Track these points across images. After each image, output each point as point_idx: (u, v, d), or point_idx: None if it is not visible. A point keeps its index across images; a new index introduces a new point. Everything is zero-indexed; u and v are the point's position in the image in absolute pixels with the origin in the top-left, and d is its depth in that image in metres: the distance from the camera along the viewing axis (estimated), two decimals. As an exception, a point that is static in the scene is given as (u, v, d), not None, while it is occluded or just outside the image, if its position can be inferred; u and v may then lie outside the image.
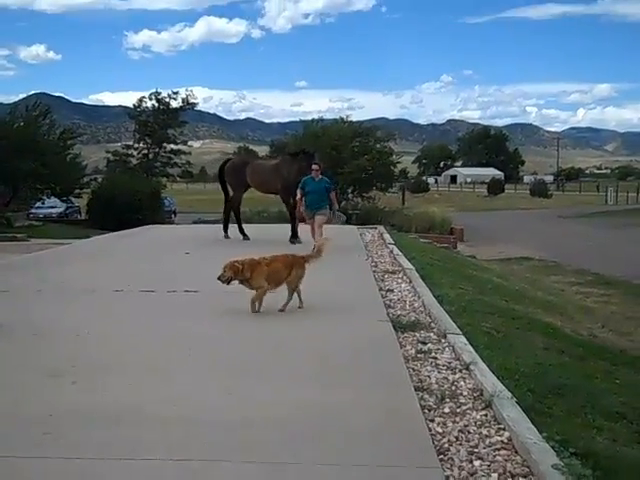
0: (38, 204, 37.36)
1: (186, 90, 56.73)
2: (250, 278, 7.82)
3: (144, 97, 55.71)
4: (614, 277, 18.35)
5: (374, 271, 11.25)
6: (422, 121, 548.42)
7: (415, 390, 5.26)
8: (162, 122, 54.95)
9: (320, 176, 13.93)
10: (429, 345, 6.66)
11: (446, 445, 4.31)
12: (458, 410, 4.91)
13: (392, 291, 9.51)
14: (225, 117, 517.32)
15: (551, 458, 3.98)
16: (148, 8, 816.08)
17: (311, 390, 5.22)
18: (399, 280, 10.37)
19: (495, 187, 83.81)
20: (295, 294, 8.19)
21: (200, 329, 7.30)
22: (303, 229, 14.87)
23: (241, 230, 16.53)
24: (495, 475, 3.93)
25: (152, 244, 16.11)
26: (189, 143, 61.38)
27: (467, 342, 6.63)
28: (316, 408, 4.84)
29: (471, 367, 5.80)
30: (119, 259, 13.32)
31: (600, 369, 7.90)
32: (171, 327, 7.35)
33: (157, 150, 55.42)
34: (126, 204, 30.87)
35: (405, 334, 7.03)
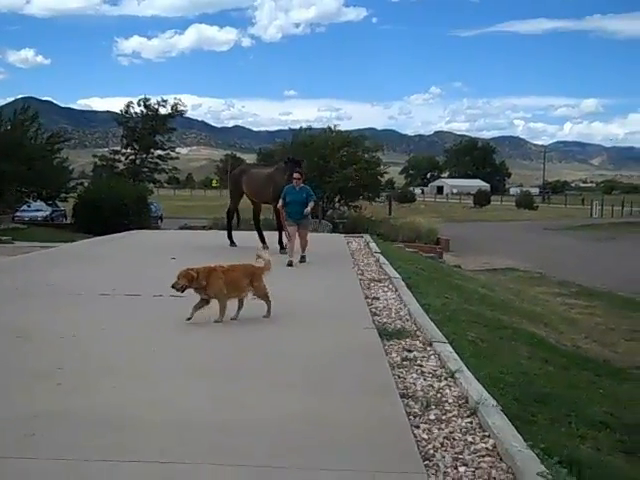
0: (24, 207, 37.15)
1: (175, 98, 56.91)
2: (206, 286, 7.61)
3: (131, 102, 55.78)
4: (598, 289, 18.52)
5: (360, 279, 11.25)
6: (410, 132, 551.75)
7: (401, 397, 5.27)
8: (150, 128, 54.95)
9: (301, 185, 13.49)
10: (415, 353, 6.67)
11: (431, 451, 4.32)
12: (443, 417, 4.92)
13: (378, 299, 9.52)
14: (213, 124, 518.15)
15: (536, 466, 3.99)
16: (139, 14, 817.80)
17: (296, 396, 5.21)
18: (385, 288, 10.39)
19: (481, 198, 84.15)
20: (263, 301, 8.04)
21: (186, 334, 7.28)
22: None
23: (229, 236, 16.47)
24: (480, 481, 3.94)
25: (138, 249, 16.04)
26: (177, 150, 61.30)
27: (452, 350, 6.65)
28: (301, 414, 4.83)
29: (456, 375, 5.81)
30: (105, 263, 13.25)
31: (584, 379, 7.96)
32: (157, 332, 7.33)
33: (144, 156, 55.38)
34: (112, 209, 30.69)
35: (391, 342, 7.03)
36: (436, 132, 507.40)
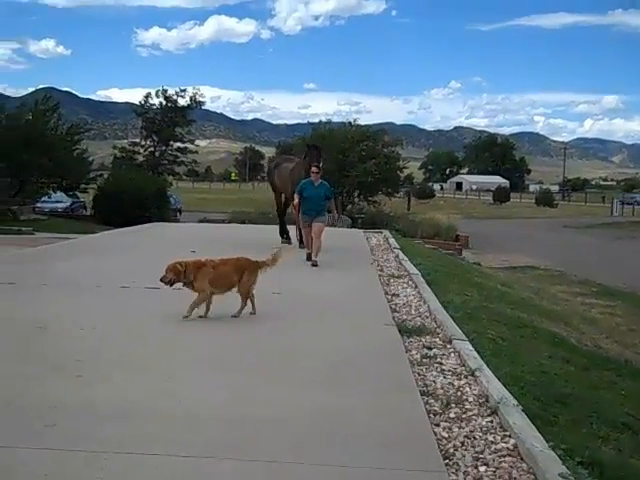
0: (44, 198, 37.31)
1: (193, 88, 57.02)
2: (194, 280, 7.50)
3: (150, 93, 55.95)
4: (619, 288, 18.34)
5: (380, 275, 11.22)
6: (429, 127, 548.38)
7: (421, 395, 5.24)
8: (169, 120, 55.12)
9: (320, 180, 12.73)
10: (434, 350, 6.63)
11: (451, 450, 4.29)
12: (464, 416, 4.89)
13: (398, 295, 9.48)
14: (232, 117, 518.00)
15: (557, 466, 3.95)
16: (158, 5, 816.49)
17: (316, 392, 5.20)
18: (405, 285, 10.35)
19: (500, 195, 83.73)
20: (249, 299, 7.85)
21: (207, 328, 7.29)
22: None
23: (282, 232, 15.80)
24: (501, 482, 3.91)
25: (158, 241, 16.10)
26: (196, 142, 61.44)
27: (473, 348, 6.60)
28: (321, 410, 4.81)
29: (477, 373, 5.77)
30: (125, 255, 13.31)
31: (605, 379, 7.88)
32: (176, 325, 7.35)
33: (164, 148, 55.57)
34: (132, 201, 30.83)
35: (411, 339, 7.00)
36: (455, 127, 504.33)
